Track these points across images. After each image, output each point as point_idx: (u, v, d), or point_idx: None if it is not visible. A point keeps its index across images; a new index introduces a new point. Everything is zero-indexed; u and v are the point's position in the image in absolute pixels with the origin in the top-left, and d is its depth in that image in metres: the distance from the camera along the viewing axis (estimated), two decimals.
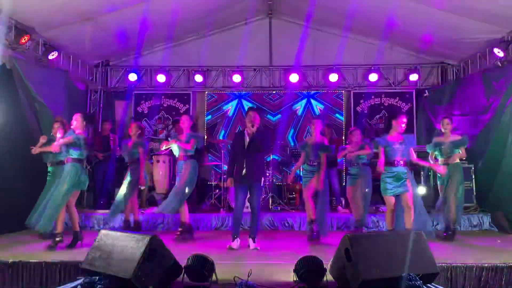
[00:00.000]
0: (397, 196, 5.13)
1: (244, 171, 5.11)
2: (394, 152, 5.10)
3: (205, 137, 9.08)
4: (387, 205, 5.24)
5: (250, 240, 5.18)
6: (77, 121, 5.16)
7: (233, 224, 5.33)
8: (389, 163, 5.10)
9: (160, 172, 7.67)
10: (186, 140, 5.72)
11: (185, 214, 5.82)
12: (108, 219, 6.40)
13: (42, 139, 5.61)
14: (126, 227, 6.14)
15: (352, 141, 6.19)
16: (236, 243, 5.14)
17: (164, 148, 6.07)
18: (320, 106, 9.25)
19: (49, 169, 5.81)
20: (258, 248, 5.13)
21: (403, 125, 5.17)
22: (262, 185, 5.24)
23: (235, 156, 5.31)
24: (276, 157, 8.70)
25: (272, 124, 9.17)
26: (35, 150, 5.61)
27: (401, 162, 5.09)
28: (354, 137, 6.18)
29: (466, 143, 5.78)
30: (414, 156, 5.31)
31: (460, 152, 5.69)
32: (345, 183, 8.64)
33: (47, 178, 5.80)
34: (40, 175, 6.17)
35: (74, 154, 5.13)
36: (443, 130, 5.84)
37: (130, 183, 6.00)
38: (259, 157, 5.25)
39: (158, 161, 7.66)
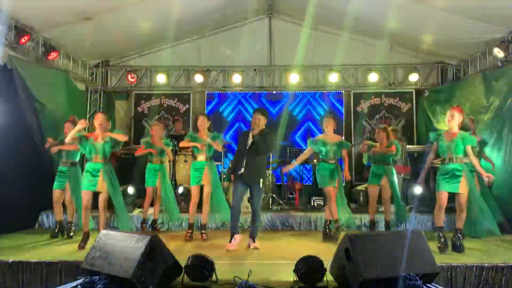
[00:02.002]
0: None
1: (242, 169, 5.13)
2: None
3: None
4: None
5: (250, 240, 5.19)
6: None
7: (231, 220, 5.27)
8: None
9: None
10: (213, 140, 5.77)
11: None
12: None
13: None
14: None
15: (378, 140, 6.13)
16: (233, 243, 5.12)
17: (185, 146, 6.09)
18: (320, 106, 9.25)
19: (63, 169, 5.73)
20: (258, 248, 5.14)
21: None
22: (261, 186, 5.24)
23: (238, 154, 5.37)
24: (277, 157, 8.69)
25: (272, 125, 9.19)
26: (54, 149, 5.64)
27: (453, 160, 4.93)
28: (378, 136, 6.12)
29: None
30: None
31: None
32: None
33: (60, 178, 5.71)
34: (40, 175, 6.18)
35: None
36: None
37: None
38: (259, 159, 5.26)
39: None
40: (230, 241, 5.14)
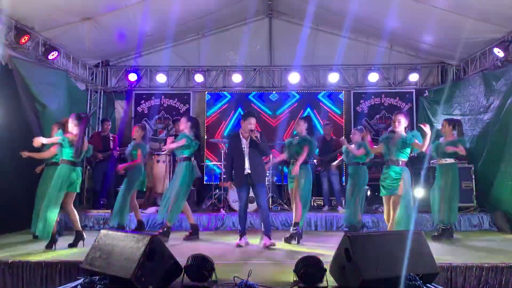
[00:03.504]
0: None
1: (247, 171, 5.16)
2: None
3: (205, 137, 9.12)
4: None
5: (266, 238, 5.20)
6: (70, 122, 5.13)
7: (239, 223, 5.41)
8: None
9: (160, 172, 7.66)
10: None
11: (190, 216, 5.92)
12: (109, 220, 6.36)
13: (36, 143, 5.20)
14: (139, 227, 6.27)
15: (352, 141, 6.20)
16: (243, 241, 5.24)
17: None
18: (320, 106, 9.25)
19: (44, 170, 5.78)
20: (275, 244, 5.14)
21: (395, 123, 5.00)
22: (265, 184, 5.28)
23: (233, 159, 5.32)
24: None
25: (272, 125, 9.20)
26: (25, 154, 5.46)
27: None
28: (353, 136, 6.20)
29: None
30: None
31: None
32: (345, 182, 8.70)
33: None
34: (40, 175, 6.17)
35: (66, 155, 5.02)
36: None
37: (127, 183, 6.04)
38: (260, 159, 5.36)
39: (158, 161, 7.66)
40: (240, 239, 5.26)
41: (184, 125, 5.82)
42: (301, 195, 5.52)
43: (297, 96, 9.30)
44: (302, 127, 5.65)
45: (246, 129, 5.22)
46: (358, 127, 6.54)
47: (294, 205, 5.63)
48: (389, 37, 8.30)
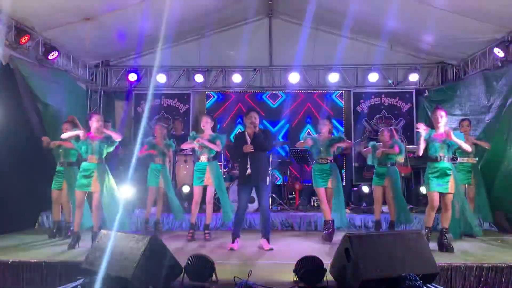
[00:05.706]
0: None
1: (248, 171, 5.11)
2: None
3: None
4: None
5: (264, 241, 5.13)
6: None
7: (234, 225, 5.30)
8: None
9: None
10: (212, 141, 5.76)
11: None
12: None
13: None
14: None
15: (381, 140, 6.13)
16: (237, 244, 5.14)
17: (186, 147, 6.20)
18: (320, 106, 9.25)
19: (60, 169, 5.81)
20: (273, 249, 5.07)
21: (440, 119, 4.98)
22: (268, 184, 5.24)
23: (239, 157, 5.31)
24: (277, 157, 8.69)
25: (272, 125, 9.20)
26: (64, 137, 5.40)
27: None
28: (382, 136, 6.14)
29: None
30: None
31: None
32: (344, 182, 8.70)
33: (58, 178, 5.79)
34: (40, 175, 6.18)
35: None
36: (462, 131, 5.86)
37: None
38: (263, 156, 5.29)
39: None
40: (232, 242, 5.15)
41: (210, 124, 5.86)
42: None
43: (297, 96, 9.29)
44: (326, 127, 5.78)
45: (248, 124, 5.21)
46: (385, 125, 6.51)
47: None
48: (389, 37, 8.29)
